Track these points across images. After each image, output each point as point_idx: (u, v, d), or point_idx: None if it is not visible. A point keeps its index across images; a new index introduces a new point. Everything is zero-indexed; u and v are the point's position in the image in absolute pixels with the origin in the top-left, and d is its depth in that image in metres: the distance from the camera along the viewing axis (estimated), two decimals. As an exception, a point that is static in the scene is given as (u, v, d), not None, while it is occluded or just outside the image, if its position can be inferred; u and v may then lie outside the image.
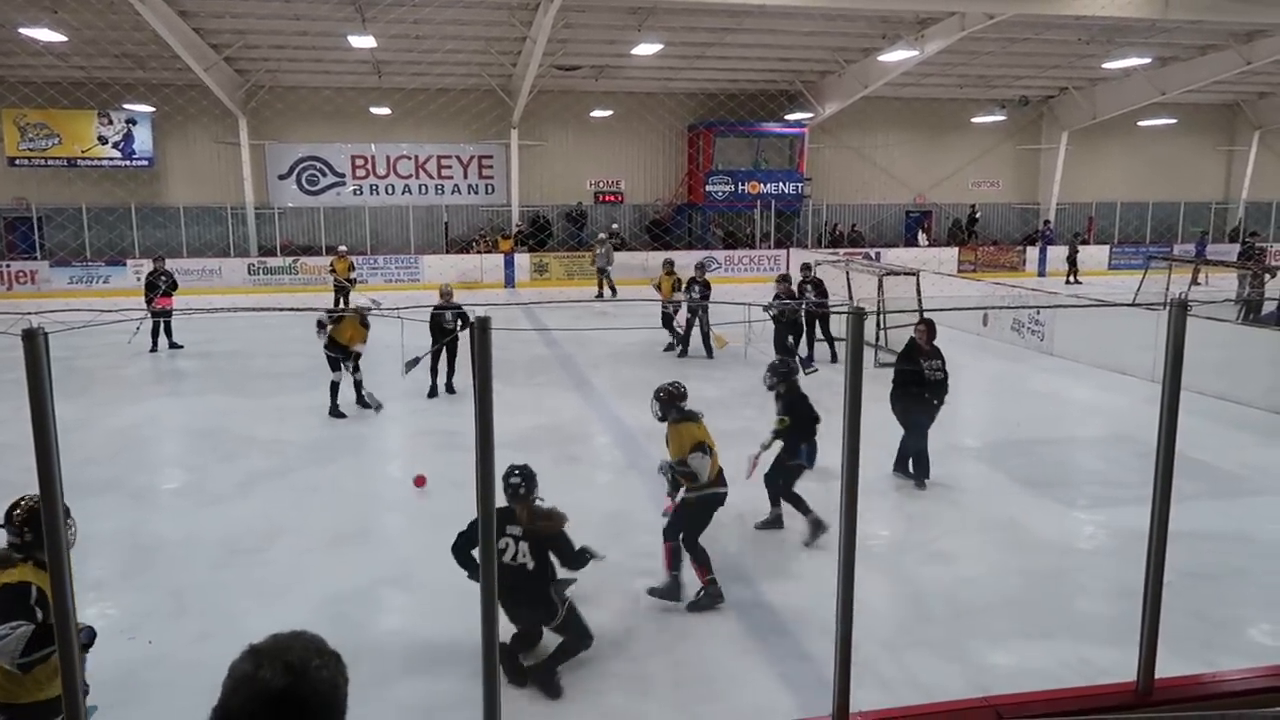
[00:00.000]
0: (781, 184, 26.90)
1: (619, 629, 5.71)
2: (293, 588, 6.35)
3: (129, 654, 5.33)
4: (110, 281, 22.50)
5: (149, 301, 14.71)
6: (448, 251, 25.53)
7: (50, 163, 23.51)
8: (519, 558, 5.03)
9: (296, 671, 1.41)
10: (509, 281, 24.57)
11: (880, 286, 14.54)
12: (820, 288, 14.94)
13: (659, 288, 15.91)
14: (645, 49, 19.61)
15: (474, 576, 4.75)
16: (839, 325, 14.23)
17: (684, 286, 15.50)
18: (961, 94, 27.63)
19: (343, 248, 21.29)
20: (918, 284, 14.18)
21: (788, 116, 26.59)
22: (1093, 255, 27.55)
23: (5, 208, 24.06)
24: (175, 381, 13.46)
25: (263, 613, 5.87)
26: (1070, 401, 12.17)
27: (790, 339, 13.19)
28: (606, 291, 22.01)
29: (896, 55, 20.93)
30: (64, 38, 17.72)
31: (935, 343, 8.48)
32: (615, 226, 26.52)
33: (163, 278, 15.04)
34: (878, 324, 13.69)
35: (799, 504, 7.12)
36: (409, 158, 26.20)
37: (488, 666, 2.25)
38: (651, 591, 6.03)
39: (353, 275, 19.93)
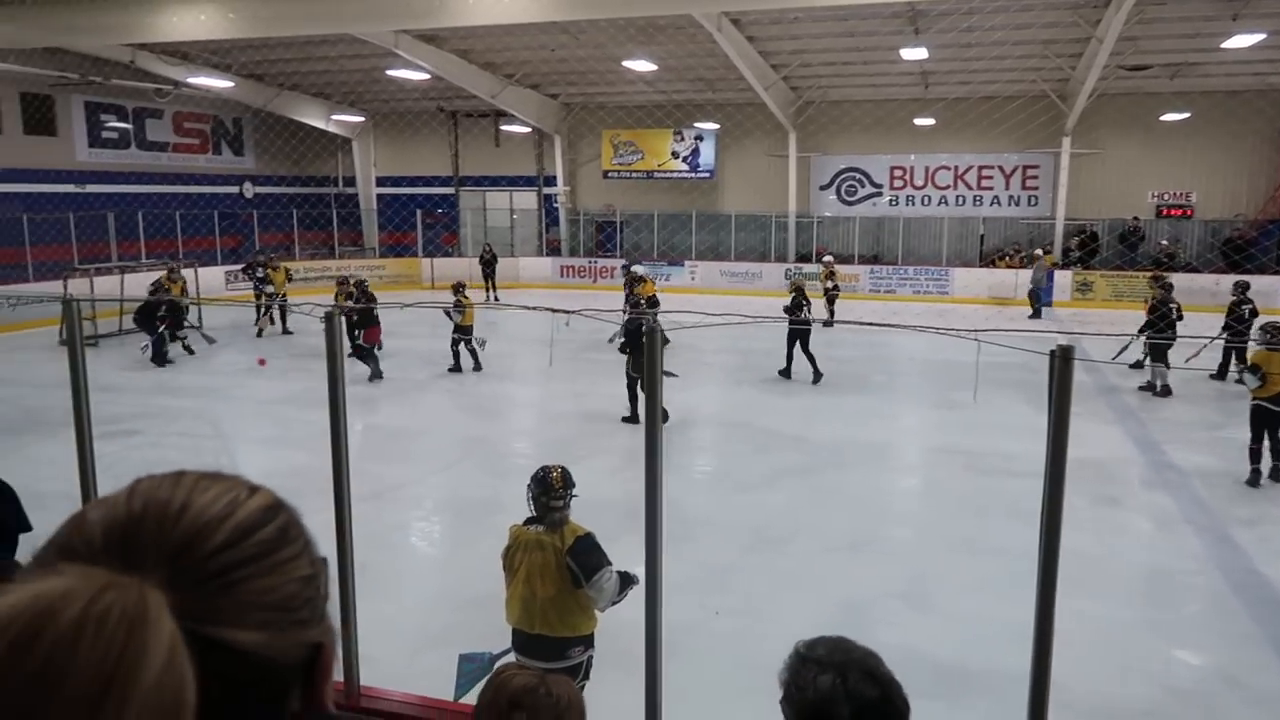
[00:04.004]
0: None
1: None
2: (810, 584, 6.65)
3: (674, 614, 5.98)
4: (671, 280, 25.54)
5: None
6: (981, 265, 24.68)
7: (633, 175, 27.43)
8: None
9: (882, 682, 1.46)
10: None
11: None
12: None
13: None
14: (1241, 40, 16.87)
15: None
16: None
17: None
18: None
19: (828, 257, 21.56)
20: None
21: None
22: None
23: (598, 213, 28.62)
24: (709, 374, 14.71)
25: (784, 602, 6.23)
26: None
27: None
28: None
29: None
30: (654, 66, 20.55)
31: None
32: (1169, 243, 23.35)
33: None
34: None
35: None
36: (948, 168, 25.76)
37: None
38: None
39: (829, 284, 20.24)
